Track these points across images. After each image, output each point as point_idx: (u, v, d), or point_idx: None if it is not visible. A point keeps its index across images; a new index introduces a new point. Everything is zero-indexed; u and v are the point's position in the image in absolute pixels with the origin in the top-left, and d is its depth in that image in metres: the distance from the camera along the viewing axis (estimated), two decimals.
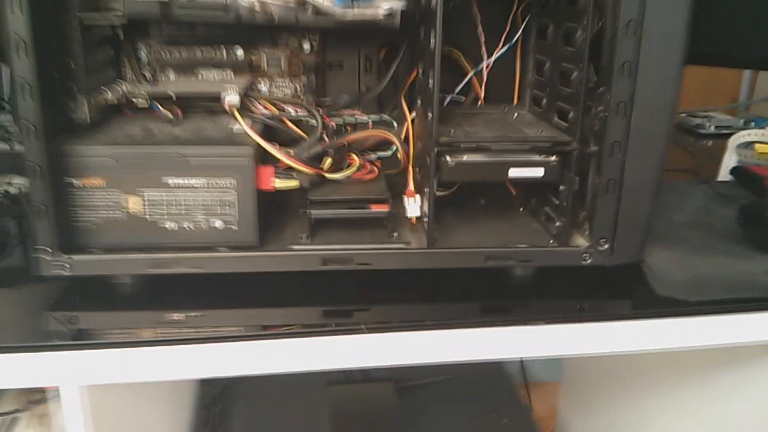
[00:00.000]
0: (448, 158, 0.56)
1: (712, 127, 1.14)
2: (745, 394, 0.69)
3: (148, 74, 0.66)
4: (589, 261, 0.57)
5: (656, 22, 0.51)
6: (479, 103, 0.69)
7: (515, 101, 0.69)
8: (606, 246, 0.57)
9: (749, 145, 0.96)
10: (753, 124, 1.13)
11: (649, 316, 0.55)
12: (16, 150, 0.84)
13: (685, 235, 0.66)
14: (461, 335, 0.54)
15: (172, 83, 0.66)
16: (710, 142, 1.11)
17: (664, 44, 0.52)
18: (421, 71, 0.63)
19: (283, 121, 0.64)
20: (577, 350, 0.55)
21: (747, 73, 1.55)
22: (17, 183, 0.75)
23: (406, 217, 0.62)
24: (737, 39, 0.93)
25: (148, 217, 0.56)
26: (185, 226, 0.56)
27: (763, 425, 0.67)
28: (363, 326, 0.52)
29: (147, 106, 0.63)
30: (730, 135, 0.97)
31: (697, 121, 1.16)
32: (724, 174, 0.88)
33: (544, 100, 0.64)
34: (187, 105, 0.64)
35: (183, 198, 0.56)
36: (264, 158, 0.58)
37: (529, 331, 0.54)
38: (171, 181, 0.55)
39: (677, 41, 0.52)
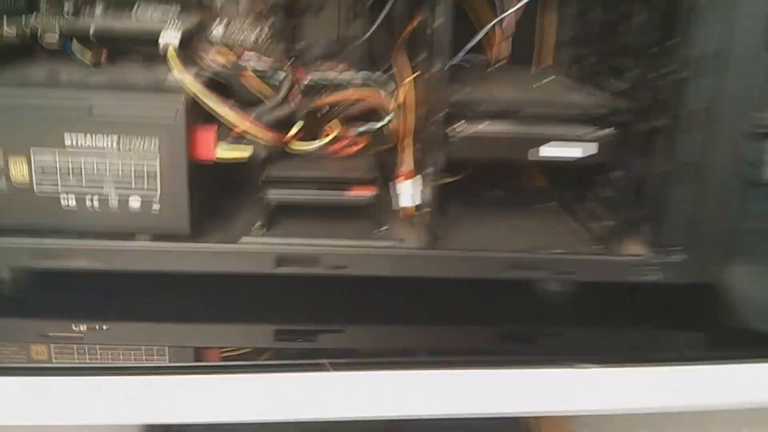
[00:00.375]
0: (459, 126, 0.40)
1: None
2: None
3: (67, 5, 0.50)
4: (651, 276, 0.41)
5: None
6: (500, 63, 0.53)
7: (549, 62, 0.53)
8: (677, 257, 0.41)
9: None
10: None
11: (742, 359, 0.38)
12: None
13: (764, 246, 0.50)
14: (468, 379, 0.37)
15: (99, 19, 0.50)
16: None
17: None
18: (424, 16, 0.47)
19: (243, 75, 0.48)
20: (636, 405, 0.38)
21: None
22: None
23: (399, 208, 0.46)
24: None
25: (36, 188, 0.40)
26: (89, 203, 0.40)
27: None
28: (326, 362, 0.35)
29: (59, 45, 0.47)
30: None
31: None
32: None
33: (590, 60, 0.48)
34: (117, 49, 0.49)
35: (86, 164, 0.40)
36: (207, 119, 0.42)
37: (567, 377, 0.38)
38: (71, 140, 0.39)
39: None
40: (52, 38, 0.47)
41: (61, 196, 0.40)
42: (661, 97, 0.40)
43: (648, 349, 0.40)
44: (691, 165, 0.39)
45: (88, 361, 0.37)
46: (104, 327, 0.40)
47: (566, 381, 0.38)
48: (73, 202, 0.40)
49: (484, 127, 0.41)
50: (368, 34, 0.50)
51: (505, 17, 0.51)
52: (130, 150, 0.39)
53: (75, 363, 0.37)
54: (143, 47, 0.49)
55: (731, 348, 0.40)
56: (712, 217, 0.40)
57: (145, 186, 0.40)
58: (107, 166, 0.40)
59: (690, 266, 0.40)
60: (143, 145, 0.39)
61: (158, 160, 0.40)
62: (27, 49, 0.49)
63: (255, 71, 0.49)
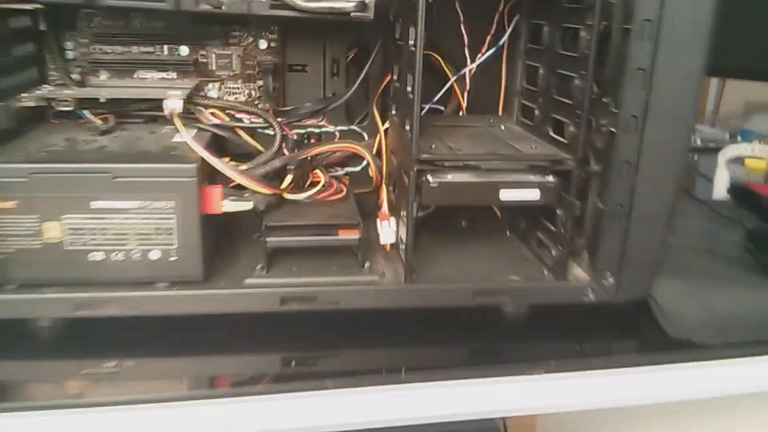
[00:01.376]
0: (429, 178, 0.48)
1: (698, 141, 1.09)
2: None
3: (76, 75, 0.56)
4: (591, 297, 0.49)
5: (677, 22, 0.43)
6: (461, 113, 0.61)
7: (502, 112, 0.61)
8: (611, 280, 0.49)
9: (739, 159, 0.91)
10: (739, 138, 1.07)
11: (665, 363, 0.47)
12: None
13: (693, 265, 0.59)
14: (443, 390, 0.45)
15: (105, 85, 0.56)
16: (696, 156, 1.05)
17: (685, 48, 0.44)
18: (396, 75, 0.55)
19: (235, 132, 0.55)
20: (581, 405, 0.47)
21: (714, 82, 1.51)
22: None
23: (380, 245, 0.53)
24: (723, 47, 0.87)
25: (69, 246, 0.46)
26: (115, 257, 0.47)
27: None
28: (328, 382, 0.43)
29: (72, 111, 0.53)
30: (717, 149, 0.91)
31: None
32: (718, 192, 0.81)
33: (537, 112, 0.56)
34: (122, 111, 0.55)
35: (111, 224, 0.46)
36: (211, 176, 0.48)
37: (523, 384, 0.46)
38: (97, 204, 0.45)
39: (700, 44, 0.44)
40: (66, 106, 0.54)
41: (89, 252, 0.47)
42: (596, 147, 0.49)
43: (589, 357, 0.49)
44: (623, 205, 0.47)
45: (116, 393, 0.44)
46: (131, 364, 0.46)
47: (525, 386, 0.46)
48: (100, 257, 0.47)
49: (452, 177, 0.49)
50: (348, 95, 0.57)
51: (465, 72, 0.60)
52: (149, 210, 0.46)
53: (104, 398, 0.43)
54: (145, 109, 0.56)
55: (658, 354, 0.49)
56: (638, 248, 0.48)
57: (164, 240, 0.47)
58: (130, 225, 0.46)
59: (620, 288, 0.49)
60: (161, 205, 0.46)
61: (175, 217, 0.46)
62: (40, 114, 0.55)
63: (247, 128, 0.56)
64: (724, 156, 0.89)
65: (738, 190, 0.77)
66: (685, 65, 0.44)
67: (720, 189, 0.81)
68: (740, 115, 1.37)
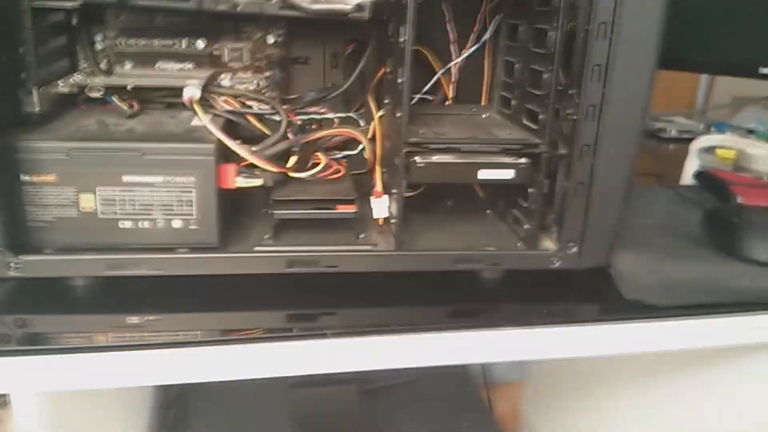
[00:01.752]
0: (417, 159, 0.55)
1: (674, 132, 1.16)
2: (711, 395, 0.70)
3: (103, 64, 0.63)
4: (557, 264, 0.57)
5: (630, 24, 0.50)
6: (447, 102, 0.68)
7: (484, 101, 0.68)
8: (574, 249, 0.56)
9: (710, 150, 0.98)
10: (713, 129, 1.14)
11: (617, 320, 0.54)
12: None
13: (652, 240, 0.66)
14: (428, 339, 0.52)
15: (129, 74, 0.63)
16: (672, 146, 1.12)
17: (636, 47, 0.51)
18: (389, 69, 0.61)
19: (245, 117, 0.62)
20: (544, 354, 0.55)
21: (704, 77, 1.57)
22: None
23: (373, 218, 0.60)
24: (693, 43, 0.94)
25: (102, 215, 0.53)
26: (142, 225, 0.54)
27: (727, 426, 0.67)
28: (327, 332, 0.50)
29: (102, 97, 0.60)
30: (691, 139, 0.98)
31: (659, 125, 1.17)
32: (687, 178, 0.89)
33: (514, 102, 0.63)
34: (145, 97, 0.62)
35: (139, 196, 0.53)
36: (225, 155, 0.55)
37: (497, 336, 0.53)
38: (127, 178, 0.52)
39: (650, 44, 0.51)
40: (96, 92, 0.61)
41: (121, 220, 0.54)
42: (563, 133, 0.56)
43: (556, 316, 0.56)
44: (583, 183, 0.55)
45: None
46: (155, 318, 0.54)
47: (497, 340, 0.53)
48: (129, 225, 0.54)
49: (436, 159, 0.56)
50: (346, 85, 0.64)
51: (451, 66, 0.66)
52: (172, 184, 0.53)
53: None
54: (165, 96, 0.63)
55: (615, 312, 0.56)
56: (597, 221, 0.55)
57: (185, 211, 0.54)
58: (155, 197, 0.53)
59: (582, 256, 0.56)
60: (183, 180, 0.53)
61: (194, 191, 0.53)
62: (72, 99, 0.62)
63: (256, 114, 0.63)
64: (696, 145, 0.96)
65: (701, 175, 0.84)
66: (637, 62, 0.51)
67: (688, 175, 0.89)
68: (729, 108, 1.43)
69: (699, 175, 0.84)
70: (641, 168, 0.97)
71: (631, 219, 0.69)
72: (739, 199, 0.74)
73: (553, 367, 1.11)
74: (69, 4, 0.54)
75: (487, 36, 0.65)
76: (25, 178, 0.51)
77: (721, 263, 0.61)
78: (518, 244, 0.59)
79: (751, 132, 1.07)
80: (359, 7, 0.53)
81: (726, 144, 0.98)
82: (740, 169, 0.95)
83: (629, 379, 0.85)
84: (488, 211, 0.67)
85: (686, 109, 1.68)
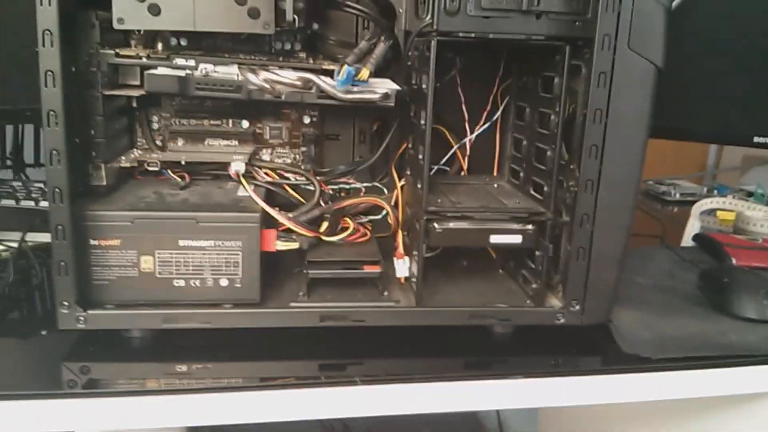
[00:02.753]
0: (435, 225, 0.62)
1: (678, 195, 1.23)
2: None
3: (158, 141, 0.72)
4: (562, 321, 0.63)
5: (621, 110, 0.58)
6: (462, 173, 0.75)
7: (495, 172, 0.76)
8: (577, 307, 0.63)
9: (712, 212, 1.04)
10: (716, 192, 1.21)
11: (616, 372, 0.60)
12: (21, 206, 0.89)
13: (650, 298, 0.72)
14: (446, 388, 0.59)
15: (182, 150, 0.71)
16: (676, 209, 1.19)
17: (628, 130, 0.59)
18: (410, 144, 0.69)
19: (283, 187, 0.70)
20: (550, 402, 0.60)
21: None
22: (31, 239, 0.79)
23: (396, 277, 0.67)
24: (693, 115, 1.02)
25: (158, 275, 0.60)
26: (193, 283, 0.61)
27: None
28: (357, 379, 0.56)
29: (157, 170, 0.68)
30: (694, 202, 1.04)
31: (664, 188, 1.24)
32: (687, 240, 0.95)
33: (521, 174, 0.71)
34: (194, 170, 0.70)
35: (192, 258, 0.60)
36: (266, 221, 0.63)
37: (507, 385, 0.59)
38: (182, 242, 0.60)
39: (640, 127, 0.59)
40: (153, 166, 0.69)
41: (174, 279, 0.61)
42: (566, 202, 0.63)
43: (561, 367, 0.62)
44: (584, 248, 0.61)
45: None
46: (200, 366, 0.60)
47: (508, 389, 0.59)
48: (182, 283, 0.61)
49: (453, 225, 0.63)
50: (372, 159, 0.72)
51: (466, 141, 0.74)
52: (221, 247, 0.60)
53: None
54: (213, 169, 0.71)
55: (613, 364, 0.62)
56: (596, 281, 0.62)
57: (231, 271, 0.61)
58: (206, 258, 0.61)
59: (584, 314, 0.62)
60: (231, 244, 0.60)
61: (240, 253, 0.61)
62: (130, 172, 0.70)
63: (292, 185, 0.71)
64: (698, 208, 1.03)
65: (699, 237, 0.90)
66: (628, 142, 0.59)
67: (689, 237, 0.95)
68: (738, 170, 1.49)
69: (697, 237, 0.91)
70: (645, 229, 1.04)
71: (632, 278, 0.76)
72: (733, 260, 0.80)
73: (563, 421, 1.15)
74: (136, 93, 0.63)
75: (496, 116, 0.73)
76: (93, 242, 0.59)
77: (712, 320, 0.67)
78: (527, 302, 0.65)
79: (751, 195, 1.14)
80: (386, 96, 0.61)
81: (726, 207, 1.04)
82: (740, 230, 1.01)
83: (634, 429, 0.90)
84: (500, 271, 0.74)
85: (697, 172, 1.75)
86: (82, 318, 0.59)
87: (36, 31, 0.53)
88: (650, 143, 0.60)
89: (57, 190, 0.56)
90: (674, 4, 0.90)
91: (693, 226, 0.99)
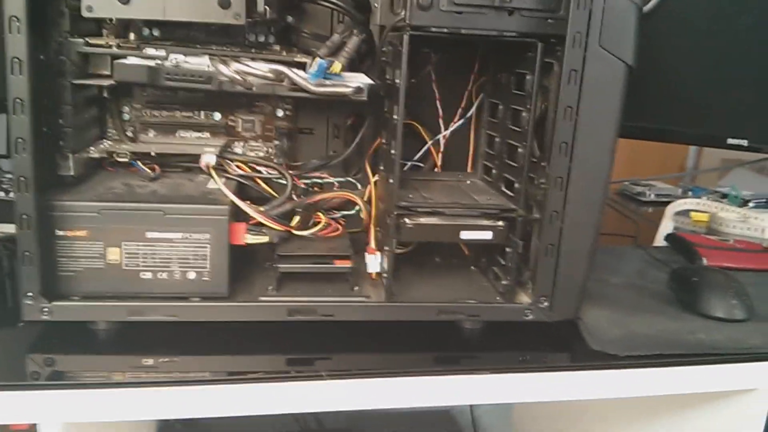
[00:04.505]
0: (407, 220, 0.62)
1: (653, 195, 1.24)
2: None
3: (129, 132, 0.71)
4: (530, 317, 0.63)
5: (591, 108, 0.58)
6: (436, 169, 0.75)
7: (469, 169, 0.76)
8: (546, 304, 0.63)
9: (686, 212, 1.05)
10: (690, 193, 1.22)
11: (582, 368, 0.61)
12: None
13: (620, 296, 0.73)
14: (414, 383, 0.58)
15: (152, 141, 0.71)
16: (651, 209, 1.20)
17: (598, 127, 0.59)
18: (384, 140, 0.69)
19: (255, 181, 0.69)
20: (519, 398, 0.60)
21: None
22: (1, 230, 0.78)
23: (367, 273, 0.67)
24: (672, 116, 1.03)
25: (125, 267, 0.60)
26: (160, 276, 0.60)
27: None
28: (323, 374, 0.56)
29: (127, 162, 0.68)
30: (669, 203, 1.05)
31: (639, 189, 1.25)
32: (660, 240, 0.96)
33: (494, 171, 0.71)
34: (165, 162, 0.69)
35: (160, 250, 0.60)
36: (236, 214, 0.62)
37: (476, 380, 0.59)
38: (150, 234, 0.59)
39: (610, 125, 0.59)
40: (123, 157, 0.68)
41: (141, 271, 0.60)
42: (536, 199, 0.63)
43: (529, 363, 0.62)
44: (553, 245, 0.62)
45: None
46: (167, 360, 0.60)
47: (476, 384, 0.59)
48: (149, 275, 0.60)
49: (424, 220, 0.63)
50: (346, 153, 0.72)
51: (440, 137, 0.74)
52: (189, 240, 0.60)
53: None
54: (184, 161, 0.71)
55: (580, 361, 0.62)
56: (565, 278, 0.62)
57: (200, 264, 0.60)
58: (173, 251, 0.60)
59: (552, 310, 0.63)
60: (199, 237, 0.60)
61: (209, 246, 0.60)
62: (98, 163, 0.69)
63: (264, 178, 0.70)
64: (671, 209, 1.04)
65: (671, 237, 0.91)
66: (598, 140, 0.59)
67: (662, 237, 0.96)
68: (717, 171, 1.51)
69: (669, 237, 0.92)
70: (620, 229, 1.05)
71: (603, 277, 0.77)
72: (704, 260, 0.81)
73: (537, 420, 1.15)
74: (106, 82, 0.62)
75: (470, 113, 0.73)
76: (59, 233, 0.58)
77: (682, 319, 0.68)
78: (497, 298, 0.65)
79: (725, 196, 1.15)
80: (359, 90, 0.61)
81: (699, 208, 1.06)
82: (713, 231, 1.02)
83: (605, 427, 0.90)
84: (473, 268, 0.74)
85: (676, 173, 1.76)
86: (46, 309, 0.58)
87: (2, 16, 0.52)
88: (630, 144, 0.60)
89: (22, 179, 0.55)
90: (650, 5, 0.91)
91: (667, 227, 1.00)
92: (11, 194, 0.84)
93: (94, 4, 0.57)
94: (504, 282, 0.65)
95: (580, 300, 0.64)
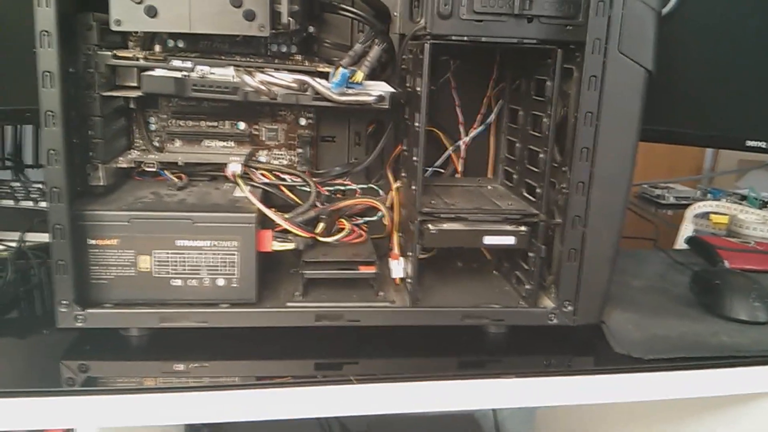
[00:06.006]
0: (430, 226, 0.63)
1: (672, 198, 1.23)
2: None
3: (156, 142, 0.72)
4: (554, 321, 0.64)
5: (612, 113, 0.59)
6: (457, 174, 0.76)
7: (490, 174, 0.77)
8: (570, 308, 0.63)
9: (706, 215, 1.05)
10: (710, 195, 1.22)
11: (607, 372, 0.61)
12: (21, 206, 0.90)
13: (642, 299, 0.73)
14: (440, 387, 0.59)
15: (179, 151, 0.72)
16: (670, 212, 1.20)
17: (618, 132, 0.60)
18: (405, 146, 0.70)
19: (280, 188, 0.71)
20: (543, 401, 0.61)
21: None
22: (30, 239, 0.79)
23: (391, 278, 0.68)
24: (687, 119, 1.03)
25: (156, 274, 0.61)
26: (190, 283, 0.62)
27: None
28: (352, 377, 0.57)
29: (155, 171, 0.69)
30: (688, 205, 1.05)
31: (658, 191, 1.25)
32: (680, 242, 0.96)
33: (515, 176, 0.71)
34: (192, 171, 0.71)
35: (189, 258, 0.61)
36: (262, 222, 0.64)
37: (501, 384, 0.60)
38: (179, 242, 0.61)
39: (630, 130, 0.60)
40: (150, 167, 0.70)
41: (171, 279, 0.62)
42: (558, 204, 0.64)
43: (554, 367, 0.63)
44: (576, 249, 0.62)
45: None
46: (198, 365, 0.61)
47: (501, 388, 0.60)
48: (179, 282, 0.62)
49: (447, 226, 0.63)
50: (368, 161, 0.73)
51: (460, 143, 0.75)
52: (218, 248, 0.61)
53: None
54: (210, 170, 0.72)
55: (605, 364, 0.63)
56: (588, 282, 0.62)
57: (228, 271, 0.62)
58: (203, 258, 0.61)
59: (576, 314, 0.63)
60: (227, 244, 0.61)
61: (237, 254, 0.61)
62: (128, 172, 0.71)
63: (289, 186, 0.71)
64: (691, 211, 1.03)
65: (692, 240, 0.91)
66: (619, 145, 0.60)
67: (682, 240, 0.96)
68: (735, 173, 1.50)
69: (690, 240, 0.92)
70: (640, 232, 1.05)
71: (625, 280, 0.77)
72: (726, 263, 0.81)
73: (560, 424, 1.15)
74: (133, 94, 0.64)
75: (490, 119, 0.74)
76: (91, 242, 0.60)
77: (703, 321, 0.68)
78: (520, 302, 0.66)
79: (744, 198, 1.14)
80: (380, 98, 0.62)
81: (719, 210, 1.05)
82: (733, 233, 1.02)
83: (628, 430, 0.90)
84: (495, 272, 0.75)
85: (694, 175, 1.76)
86: (80, 316, 0.59)
87: (34, 30, 0.54)
88: (647, 147, 0.61)
89: (55, 189, 0.57)
90: (666, 9, 0.91)
91: (687, 229, 1.00)
92: (40, 203, 0.87)
93: (123, 18, 0.58)
94: (527, 286, 0.65)
95: (603, 303, 0.64)
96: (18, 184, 0.94)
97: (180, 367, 0.60)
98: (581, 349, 0.66)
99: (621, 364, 0.62)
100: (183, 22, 0.59)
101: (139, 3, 0.57)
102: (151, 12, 0.58)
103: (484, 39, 0.58)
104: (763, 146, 0.99)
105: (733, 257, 0.83)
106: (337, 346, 0.63)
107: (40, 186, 0.91)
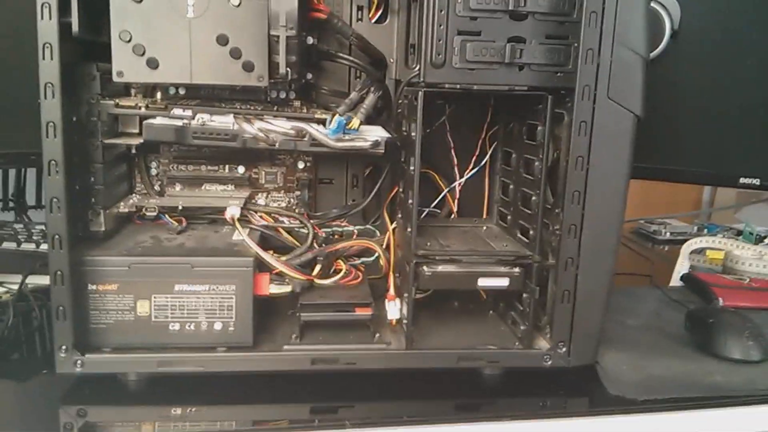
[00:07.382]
0: (425, 268, 0.64)
1: (668, 234, 1.24)
2: None
3: (157, 187, 0.74)
4: (549, 363, 0.64)
5: (602, 157, 0.60)
6: (453, 215, 0.77)
7: (485, 215, 0.78)
8: (564, 349, 0.64)
9: (702, 251, 1.06)
10: (706, 231, 1.23)
11: (602, 413, 0.61)
12: (22, 248, 0.91)
13: (637, 338, 0.74)
14: (435, 431, 0.59)
15: (179, 195, 0.73)
16: (666, 248, 1.21)
17: (609, 176, 0.61)
18: (401, 188, 0.71)
19: (278, 231, 0.72)
20: None
21: None
22: (31, 281, 0.80)
23: (387, 319, 0.68)
24: (685, 157, 1.04)
25: (154, 319, 0.62)
26: (188, 327, 0.62)
27: None
28: (347, 422, 0.57)
29: (156, 215, 0.70)
30: (684, 241, 1.06)
31: (654, 227, 1.26)
32: (676, 279, 0.96)
33: (509, 216, 0.72)
34: (191, 215, 0.72)
35: (188, 302, 0.62)
36: (260, 264, 0.64)
37: (497, 428, 0.60)
38: (178, 287, 0.62)
39: (620, 173, 0.61)
40: (151, 212, 0.71)
41: (169, 323, 0.62)
42: (551, 245, 0.65)
43: (547, 408, 0.63)
44: (569, 290, 0.63)
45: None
46: (193, 410, 0.61)
47: (499, 430, 0.60)
48: (177, 327, 0.62)
49: (441, 268, 0.64)
50: (365, 203, 0.74)
51: (455, 185, 0.76)
52: (216, 291, 0.62)
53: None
54: (210, 213, 0.73)
55: (600, 406, 0.63)
56: (582, 323, 0.63)
57: (225, 315, 0.62)
58: (200, 302, 0.62)
59: (570, 355, 0.64)
60: (225, 288, 0.62)
61: (234, 297, 0.62)
62: (128, 215, 0.72)
63: (287, 228, 0.73)
64: (687, 247, 1.04)
65: (687, 277, 0.92)
66: (609, 188, 0.61)
67: (677, 276, 0.96)
68: (733, 208, 1.51)
69: (685, 277, 0.92)
70: (636, 268, 1.06)
71: (620, 318, 0.78)
72: (720, 300, 0.82)
73: None
74: (135, 141, 0.65)
75: (484, 161, 0.75)
76: (91, 287, 0.61)
77: (697, 361, 0.69)
78: (516, 344, 0.67)
79: (740, 233, 1.15)
80: (376, 144, 0.63)
81: (715, 246, 1.06)
82: (728, 269, 1.02)
83: None
84: (491, 312, 0.75)
85: (692, 211, 1.77)
86: (79, 362, 0.60)
87: (38, 81, 0.55)
88: (645, 183, 0.62)
89: (57, 236, 0.58)
90: (655, 52, 0.93)
91: (682, 266, 1.00)
92: (42, 246, 0.88)
93: (125, 70, 0.60)
94: (522, 327, 0.66)
95: (597, 344, 0.65)
96: (20, 225, 0.95)
97: (177, 411, 0.60)
98: (576, 390, 0.66)
99: (615, 406, 0.62)
100: (184, 74, 0.60)
101: (141, 55, 0.59)
102: (153, 64, 0.59)
103: (476, 87, 0.60)
104: (757, 183, 1.00)
105: (728, 295, 0.83)
106: (333, 387, 0.64)
107: (42, 227, 0.92)
